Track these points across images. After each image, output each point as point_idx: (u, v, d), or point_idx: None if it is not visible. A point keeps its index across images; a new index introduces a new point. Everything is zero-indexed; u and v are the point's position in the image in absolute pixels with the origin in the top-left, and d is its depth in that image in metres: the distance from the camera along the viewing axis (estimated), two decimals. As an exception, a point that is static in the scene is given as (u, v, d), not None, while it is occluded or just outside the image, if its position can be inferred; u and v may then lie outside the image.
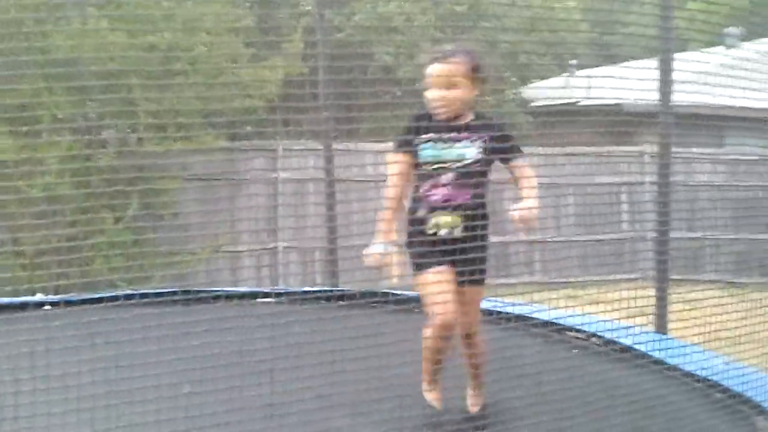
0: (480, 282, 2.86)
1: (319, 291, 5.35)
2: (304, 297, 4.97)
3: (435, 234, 2.84)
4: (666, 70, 4.46)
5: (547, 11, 12.27)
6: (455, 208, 2.83)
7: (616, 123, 10.81)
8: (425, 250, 2.83)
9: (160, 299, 4.24)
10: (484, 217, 2.85)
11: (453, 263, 2.79)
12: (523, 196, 2.79)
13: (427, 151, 2.84)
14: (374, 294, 4.07)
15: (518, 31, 11.26)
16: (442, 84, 2.80)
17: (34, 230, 6.51)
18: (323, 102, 5.53)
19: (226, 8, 9.17)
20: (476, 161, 2.83)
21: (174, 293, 4.50)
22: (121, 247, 7.47)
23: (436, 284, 2.78)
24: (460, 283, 2.80)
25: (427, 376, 2.97)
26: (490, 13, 12.15)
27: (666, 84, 4.47)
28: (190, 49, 8.30)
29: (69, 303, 4.69)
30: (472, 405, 3.04)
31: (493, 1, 10.82)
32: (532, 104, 13.13)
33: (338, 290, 5.14)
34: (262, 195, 10.22)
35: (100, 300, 4.76)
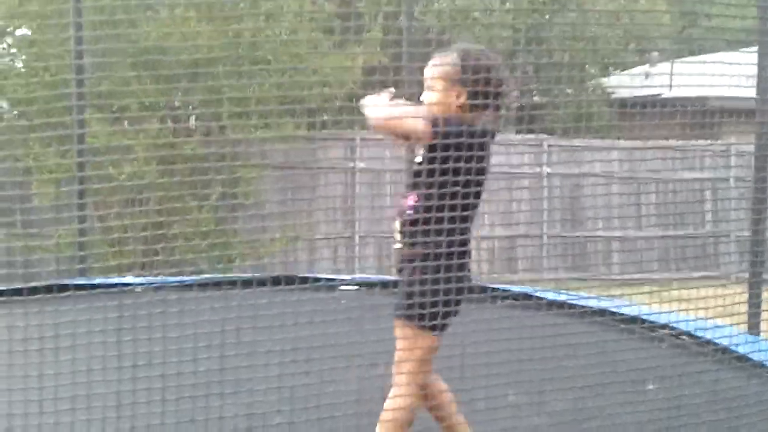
0: (399, 315, 2.39)
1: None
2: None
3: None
4: (764, 63, 4.34)
5: (631, 2, 12.02)
6: (399, 215, 2.46)
7: (701, 117, 10.52)
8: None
9: (249, 284, 4.34)
10: (422, 234, 2.36)
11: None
12: None
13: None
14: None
15: (600, 22, 11.06)
16: (426, 86, 2.50)
17: (122, 215, 6.73)
18: (406, 89, 5.54)
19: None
20: (419, 164, 2.42)
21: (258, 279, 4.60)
22: (204, 233, 7.64)
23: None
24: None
25: None
26: (572, 5, 11.98)
27: (764, 78, 4.34)
28: (273, 38, 8.43)
29: (158, 286, 4.84)
30: None
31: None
32: (613, 95, 12.89)
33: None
34: (339, 184, 10.32)
35: (186, 284, 4.91)
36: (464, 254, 2.39)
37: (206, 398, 2.54)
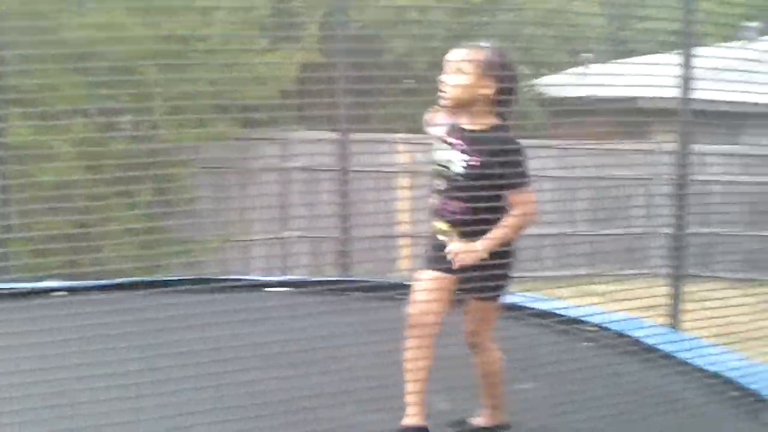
0: (484, 298, 2.72)
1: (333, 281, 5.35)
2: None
3: (437, 237, 2.75)
4: (686, 65, 4.43)
5: (564, 4, 12.19)
6: (446, 218, 2.71)
7: (631, 117, 10.73)
8: (428, 251, 2.78)
9: (173, 287, 4.25)
10: (484, 232, 2.62)
11: (451, 272, 2.68)
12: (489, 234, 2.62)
13: (437, 150, 2.74)
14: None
15: (535, 23, 11.19)
16: (450, 69, 2.67)
17: (45, 216, 6.53)
18: (340, 88, 5.50)
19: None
20: (460, 174, 2.65)
21: (186, 281, 4.52)
22: (133, 234, 7.46)
23: (421, 287, 2.70)
24: (462, 294, 2.72)
25: (409, 395, 2.69)
26: (507, 5, 12.09)
27: (686, 79, 4.44)
28: (206, 37, 8.30)
29: (81, 289, 4.72)
30: (477, 419, 2.88)
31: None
32: (547, 97, 13.06)
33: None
34: (274, 184, 10.22)
35: (113, 287, 4.79)
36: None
37: (131, 400, 2.48)
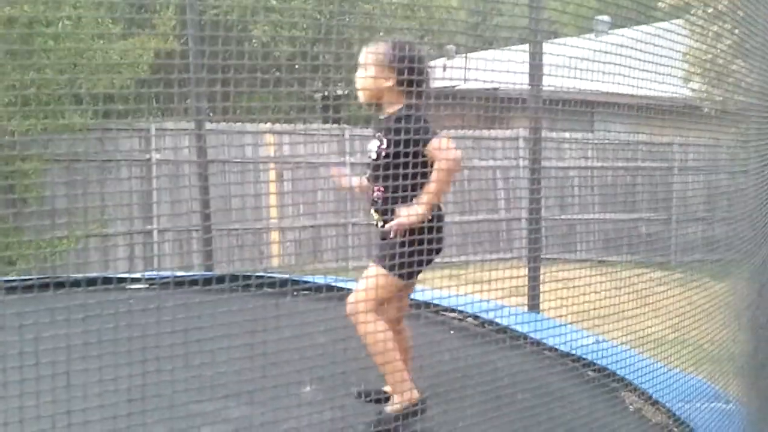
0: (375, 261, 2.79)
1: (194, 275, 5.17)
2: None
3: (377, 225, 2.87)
4: (536, 55, 4.54)
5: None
6: (372, 203, 2.85)
7: (492, 107, 11.02)
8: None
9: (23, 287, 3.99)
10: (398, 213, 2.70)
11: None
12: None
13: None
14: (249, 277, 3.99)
15: (396, 14, 11.29)
16: (359, 67, 2.83)
17: None
18: (193, 78, 5.31)
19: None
20: (377, 157, 2.78)
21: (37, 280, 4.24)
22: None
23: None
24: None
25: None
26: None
27: (535, 69, 4.55)
28: (53, 23, 7.86)
29: None
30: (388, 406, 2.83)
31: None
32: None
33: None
34: (135, 177, 9.84)
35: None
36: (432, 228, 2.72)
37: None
